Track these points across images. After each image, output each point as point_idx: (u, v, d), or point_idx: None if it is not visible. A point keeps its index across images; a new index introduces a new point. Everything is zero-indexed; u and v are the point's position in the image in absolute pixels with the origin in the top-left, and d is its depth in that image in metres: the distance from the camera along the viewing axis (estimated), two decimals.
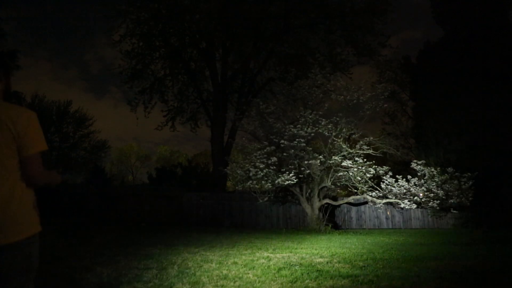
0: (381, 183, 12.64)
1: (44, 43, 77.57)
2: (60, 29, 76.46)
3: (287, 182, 11.79)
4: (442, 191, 12.14)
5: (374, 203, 13.06)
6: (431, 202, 11.98)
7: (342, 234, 11.38)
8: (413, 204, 12.10)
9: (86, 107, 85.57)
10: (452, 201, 12.31)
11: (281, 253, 6.41)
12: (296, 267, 5.02)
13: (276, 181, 11.67)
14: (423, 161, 12.77)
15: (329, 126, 12.27)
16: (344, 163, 12.01)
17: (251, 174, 11.84)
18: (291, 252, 6.54)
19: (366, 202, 14.79)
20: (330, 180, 12.59)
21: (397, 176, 12.62)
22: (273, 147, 12.31)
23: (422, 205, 12.40)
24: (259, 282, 4.18)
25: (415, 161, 13.24)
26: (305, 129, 11.91)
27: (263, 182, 11.78)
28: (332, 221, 13.99)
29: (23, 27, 75.52)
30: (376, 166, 12.37)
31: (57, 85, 77.77)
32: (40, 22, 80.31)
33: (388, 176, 12.50)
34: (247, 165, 12.17)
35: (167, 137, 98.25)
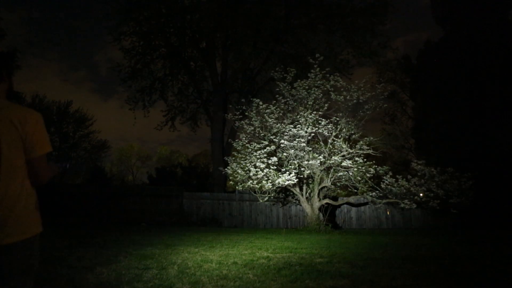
0: (381, 183, 12.62)
1: (53, 44, 78.10)
2: (69, 30, 76.86)
3: (287, 182, 11.78)
4: (442, 191, 12.12)
5: (374, 203, 13.05)
6: (431, 202, 11.96)
7: (342, 234, 11.37)
8: (413, 204, 12.08)
9: (92, 108, 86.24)
10: (452, 201, 12.29)
11: (281, 253, 6.40)
12: (296, 267, 5.01)
13: (276, 181, 11.66)
14: (423, 161, 12.75)
15: (329, 126, 12.27)
16: (344, 163, 12.00)
17: (251, 174, 11.83)
18: (291, 252, 6.54)
19: (366, 202, 14.79)
20: (330, 180, 12.58)
21: (397, 176, 12.61)
22: (273, 147, 12.31)
23: (422, 205, 12.39)
24: (259, 282, 4.17)
25: (415, 161, 13.22)
26: (305, 129, 11.90)
27: (263, 182, 11.77)
28: (332, 221, 14.00)
29: (32, 28, 75.89)
30: (376, 166, 12.36)
31: (66, 86, 78.25)
32: (49, 24, 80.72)
33: (388, 176, 12.48)
34: (247, 165, 12.16)
35: (171, 137, 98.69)
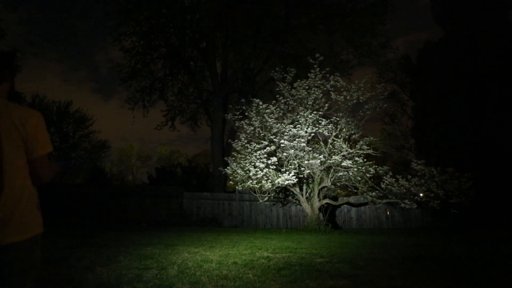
0: (381, 183, 12.63)
1: (53, 44, 78.17)
2: (69, 30, 76.91)
3: (287, 182, 11.78)
4: (442, 191, 12.12)
5: (374, 203, 13.04)
6: (431, 202, 11.96)
7: (342, 234, 11.38)
8: (413, 204, 12.08)
9: (93, 108, 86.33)
10: (452, 201, 12.30)
11: (281, 253, 6.40)
12: (296, 267, 5.01)
13: (276, 181, 11.66)
14: (423, 161, 12.75)
15: (329, 126, 12.27)
16: (344, 163, 12.01)
17: (251, 174, 11.83)
18: (291, 252, 6.54)
19: (366, 202, 14.78)
20: (330, 180, 12.58)
21: (397, 176, 12.61)
22: (273, 147, 12.31)
23: (422, 205, 12.41)
24: (259, 282, 4.18)
25: (415, 161, 13.22)
26: (305, 129, 11.91)
27: (263, 182, 11.77)
28: (332, 221, 14.00)
29: (32, 28, 75.96)
30: (376, 166, 12.36)
31: (66, 86, 78.35)
32: (49, 24, 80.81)
33: (388, 176, 12.49)
34: (247, 165, 12.16)
35: (171, 137, 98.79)
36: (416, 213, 15.89)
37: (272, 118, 12.48)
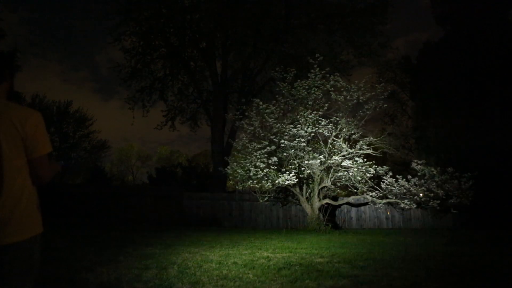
0: (381, 183, 12.63)
1: (54, 44, 78.26)
2: (69, 30, 77.00)
3: (287, 182, 11.78)
4: (442, 191, 12.13)
5: (374, 203, 13.04)
6: (431, 202, 11.96)
7: (342, 234, 11.38)
8: (413, 204, 12.09)
9: (93, 108, 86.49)
10: (452, 201, 12.31)
11: (281, 253, 6.40)
12: (296, 267, 5.01)
13: (277, 181, 11.66)
14: (423, 161, 12.76)
15: (329, 126, 12.27)
16: (344, 163, 12.01)
17: (251, 174, 11.83)
18: (291, 252, 6.54)
19: (366, 202, 14.78)
20: (330, 180, 12.58)
21: (397, 176, 12.61)
22: (273, 147, 12.32)
23: (422, 205, 12.41)
24: (259, 282, 4.18)
25: (415, 161, 13.23)
26: (305, 129, 11.91)
27: (263, 182, 11.77)
28: (332, 221, 13.99)
29: (32, 28, 76.04)
30: (376, 166, 12.36)
31: (66, 86, 78.45)
32: (50, 24, 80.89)
33: (388, 176, 12.49)
34: (247, 165, 12.17)
35: (171, 137, 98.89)
36: (416, 213, 15.87)
37: (272, 118, 12.48)
